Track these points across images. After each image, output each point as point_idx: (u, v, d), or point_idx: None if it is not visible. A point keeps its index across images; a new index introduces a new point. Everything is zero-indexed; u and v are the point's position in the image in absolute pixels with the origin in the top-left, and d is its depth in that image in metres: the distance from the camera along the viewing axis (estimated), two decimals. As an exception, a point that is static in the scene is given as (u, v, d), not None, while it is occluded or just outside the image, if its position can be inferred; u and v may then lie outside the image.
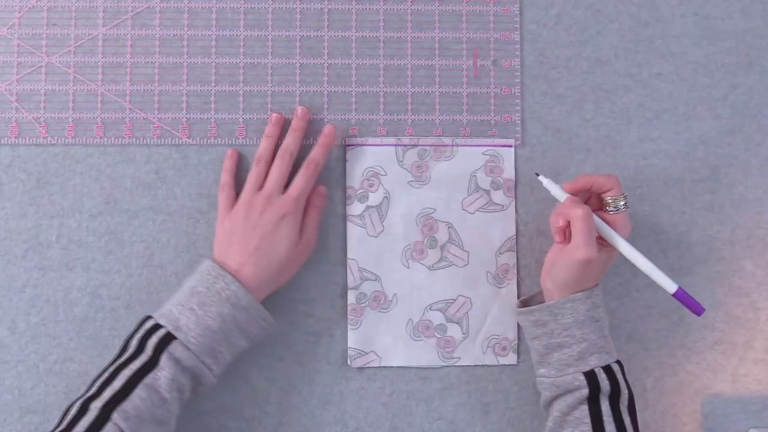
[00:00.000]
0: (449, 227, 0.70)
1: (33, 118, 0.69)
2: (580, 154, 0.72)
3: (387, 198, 0.70)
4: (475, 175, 0.70)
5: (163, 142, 0.69)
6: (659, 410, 0.71)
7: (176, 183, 0.70)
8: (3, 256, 0.69)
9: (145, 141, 0.69)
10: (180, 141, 0.69)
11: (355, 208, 0.70)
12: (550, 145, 0.72)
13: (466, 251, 0.70)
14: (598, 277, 0.64)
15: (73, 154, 0.69)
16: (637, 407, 0.63)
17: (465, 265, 0.70)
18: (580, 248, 0.60)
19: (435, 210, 0.70)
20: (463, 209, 0.70)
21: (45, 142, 0.69)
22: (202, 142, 0.70)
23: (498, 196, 0.70)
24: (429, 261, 0.70)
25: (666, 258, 0.71)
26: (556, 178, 0.68)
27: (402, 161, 0.70)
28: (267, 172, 0.66)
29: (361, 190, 0.70)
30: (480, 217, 0.70)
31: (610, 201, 0.63)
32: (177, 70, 0.70)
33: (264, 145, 0.67)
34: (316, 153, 0.67)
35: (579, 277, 0.62)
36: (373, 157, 0.70)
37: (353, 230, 0.70)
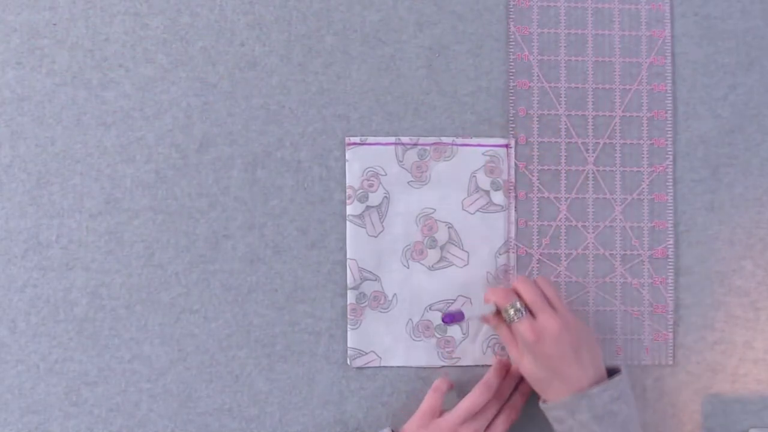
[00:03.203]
0: (449, 227, 0.70)
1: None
2: (580, 154, 0.71)
3: (387, 198, 0.70)
4: (475, 176, 0.70)
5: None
6: (659, 410, 0.71)
7: (176, 183, 0.69)
8: (3, 255, 0.69)
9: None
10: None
11: (355, 208, 0.70)
12: (549, 144, 0.71)
13: (466, 251, 0.70)
14: (564, 365, 0.61)
15: (73, 154, 0.69)
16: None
17: (465, 266, 0.70)
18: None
19: (435, 210, 0.70)
20: (464, 209, 0.70)
21: (45, 142, 0.69)
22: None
23: (498, 197, 0.70)
24: (429, 261, 0.70)
25: (666, 258, 0.71)
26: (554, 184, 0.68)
27: (402, 161, 0.70)
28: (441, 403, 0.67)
29: (360, 190, 0.70)
30: (480, 217, 0.70)
31: (504, 315, 0.64)
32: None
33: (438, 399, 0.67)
34: (492, 376, 0.67)
35: (537, 377, 0.63)
36: (372, 157, 0.70)
37: (353, 230, 0.70)
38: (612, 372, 0.64)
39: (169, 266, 0.69)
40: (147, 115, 0.69)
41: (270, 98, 0.70)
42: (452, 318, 0.61)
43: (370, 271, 0.70)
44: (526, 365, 0.63)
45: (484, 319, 0.66)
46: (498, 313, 0.65)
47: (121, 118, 0.69)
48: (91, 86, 0.69)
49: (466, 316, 0.63)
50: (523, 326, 0.62)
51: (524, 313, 0.63)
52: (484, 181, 0.70)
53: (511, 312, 0.63)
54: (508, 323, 0.64)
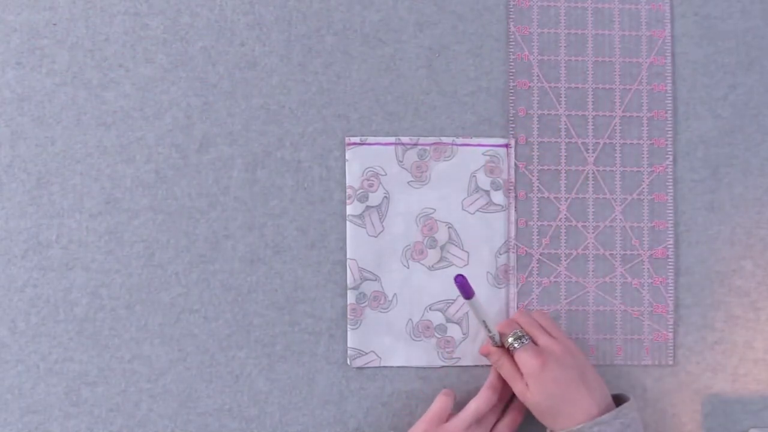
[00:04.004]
0: (449, 227, 0.70)
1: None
2: (579, 154, 0.71)
3: (387, 198, 0.70)
4: (475, 176, 0.70)
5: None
6: (659, 410, 0.71)
7: (176, 183, 0.69)
8: (3, 256, 0.68)
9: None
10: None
11: (355, 208, 0.70)
12: (549, 144, 0.71)
13: (466, 251, 0.70)
14: (573, 393, 0.61)
15: (73, 153, 0.69)
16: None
17: (465, 266, 0.70)
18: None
19: (435, 210, 0.70)
20: (463, 209, 0.70)
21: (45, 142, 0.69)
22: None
23: (498, 197, 0.70)
24: (429, 261, 0.70)
25: (666, 258, 0.71)
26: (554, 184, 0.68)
27: (402, 161, 0.70)
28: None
29: (361, 190, 0.70)
30: (480, 217, 0.70)
31: (506, 343, 0.64)
32: (177, 70, 0.70)
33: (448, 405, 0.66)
34: (495, 378, 0.67)
35: (545, 406, 0.61)
36: (372, 157, 0.70)
37: (353, 230, 0.70)
38: (616, 400, 0.64)
39: (169, 266, 0.69)
40: (147, 115, 0.69)
41: (270, 98, 0.70)
42: (464, 283, 0.59)
43: (370, 271, 0.70)
44: (532, 396, 0.61)
45: (485, 351, 0.66)
46: (500, 346, 0.65)
47: (121, 118, 0.69)
48: (91, 86, 0.69)
49: (474, 296, 0.61)
50: (528, 353, 0.62)
51: (527, 340, 0.63)
52: (484, 181, 0.70)
53: (511, 339, 0.63)
54: (512, 352, 0.63)
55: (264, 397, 0.69)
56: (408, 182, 0.70)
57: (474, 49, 0.71)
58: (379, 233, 0.70)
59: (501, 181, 0.70)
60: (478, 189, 0.70)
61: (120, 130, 0.69)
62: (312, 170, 0.70)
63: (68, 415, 0.68)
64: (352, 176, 0.70)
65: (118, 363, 0.69)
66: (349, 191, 0.70)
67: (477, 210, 0.70)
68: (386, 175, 0.70)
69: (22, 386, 0.68)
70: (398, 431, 0.69)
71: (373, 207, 0.70)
